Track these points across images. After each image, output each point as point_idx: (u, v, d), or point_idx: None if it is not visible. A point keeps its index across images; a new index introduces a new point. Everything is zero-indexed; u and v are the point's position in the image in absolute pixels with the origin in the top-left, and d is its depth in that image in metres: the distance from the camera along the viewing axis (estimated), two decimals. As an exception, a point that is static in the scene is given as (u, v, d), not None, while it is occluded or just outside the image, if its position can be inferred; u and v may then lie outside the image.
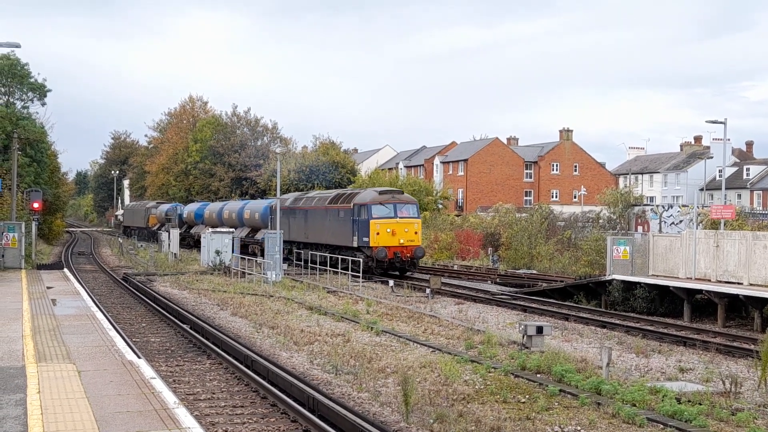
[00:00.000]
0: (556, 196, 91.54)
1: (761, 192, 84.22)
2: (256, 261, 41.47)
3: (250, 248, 54.35)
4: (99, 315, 21.62)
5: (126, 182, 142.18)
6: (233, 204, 64.25)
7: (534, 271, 43.06)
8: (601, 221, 51.53)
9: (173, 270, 44.21)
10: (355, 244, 39.97)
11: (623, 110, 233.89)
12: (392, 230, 39.11)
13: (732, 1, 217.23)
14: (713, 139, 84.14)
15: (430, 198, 67.32)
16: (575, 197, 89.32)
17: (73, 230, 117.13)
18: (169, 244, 57.66)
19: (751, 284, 25.83)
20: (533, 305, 29.84)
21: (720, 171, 79.86)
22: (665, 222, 48.67)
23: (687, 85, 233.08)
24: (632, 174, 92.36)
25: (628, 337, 22.74)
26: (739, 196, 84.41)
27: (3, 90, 57.78)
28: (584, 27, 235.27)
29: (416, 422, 13.07)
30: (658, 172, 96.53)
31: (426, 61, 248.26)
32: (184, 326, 23.21)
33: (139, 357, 15.82)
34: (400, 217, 39.67)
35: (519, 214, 55.27)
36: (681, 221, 47.56)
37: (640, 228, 47.90)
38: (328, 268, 38.65)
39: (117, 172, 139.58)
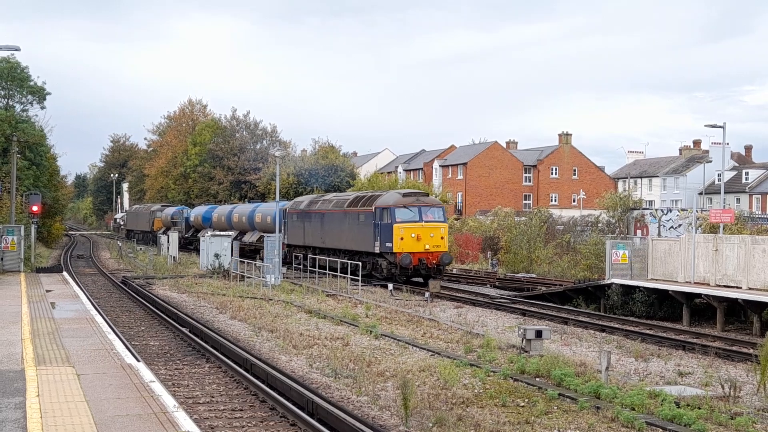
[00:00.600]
0: (555, 200, 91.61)
1: (760, 196, 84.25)
2: (255, 264, 41.36)
3: (261, 252, 51.55)
4: (98, 318, 21.62)
5: (125, 185, 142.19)
6: (243, 207, 61.92)
7: (533, 275, 43.07)
8: (600, 225, 51.55)
9: (172, 273, 44.21)
10: (377, 250, 37.92)
11: (623, 114, 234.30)
12: (417, 235, 36.91)
13: (732, 6, 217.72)
14: (712, 143, 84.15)
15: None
16: (574, 201, 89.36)
17: (72, 233, 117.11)
18: (168, 248, 57.65)
19: (750, 288, 25.85)
20: (532, 309, 29.84)
21: (719, 175, 79.94)
22: (664, 226, 48.71)
23: (687, 89, 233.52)
24: (631, 178, 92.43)
25: (627, 341, 22.75)
26: (738, 200, 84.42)
27: (2, 93, 57.85)
28: (585, 32, 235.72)
29: (415, 426, 13.07)
30: (657, 176, 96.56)
31: (427, 65, 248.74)
32: (184, 329, 23.20)
33: (138, 360, 15.82)
34: (426, 221, 37.42)
35: (518, 218, 55.28)
36: (680, 225, 47.60)
37: (639, 232, 47.94)
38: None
39: (116, 175, 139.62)
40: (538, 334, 19.73)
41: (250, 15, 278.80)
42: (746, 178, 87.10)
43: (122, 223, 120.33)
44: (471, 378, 16.67)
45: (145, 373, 14.00)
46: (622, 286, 29.57)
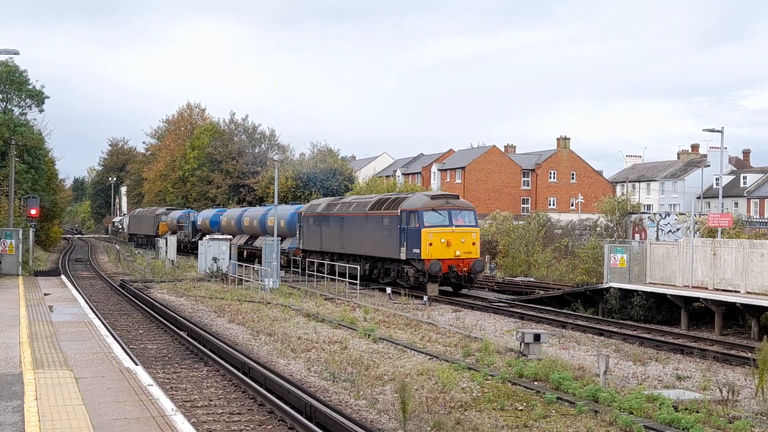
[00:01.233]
0: (554, 204, 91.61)
1: (758, 200, 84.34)
2: (253, 268, 41.33)
3: None
4: (96, 322, 21.61)
5: (123, 189, 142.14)
6: (254, 211, 59.69)
7: (531, 279, 43.06)
8: (598, 229, 51.52)
9: (170, 277, 44.17)
10: (403, 257, 35.37)
11: (622, 119, 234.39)
12: (447, 240, 34.36)
13: (730, 12, 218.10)
14: (710, 147, 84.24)
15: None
16: (572, 205, 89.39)
17: (69, 237, 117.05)
18: (166, 251, 57.57)
19: (748, 292, 25.86)
20: (530, 313, 29.85)
21: (717, 179, 79.99)
22: (662, 230, 48.72)
23: (686, 94, 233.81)
24: (629, 182, 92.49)
25: (626, 345, 22.75)
26: (736, 204, 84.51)
27: (1, 97, 57.85)
28: (584, 37, 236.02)
29: (413, 430, 13.06)
30: (656, 180, 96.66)
31: (425, 70, 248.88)
32: (182, 333, 23.19)
33: (136, 364, 15.82)
34: (456, 226, 34.85)
35: (516, 222, 55.26)
36: (678, 229, 47.60)
37: (637, 236, 47.93)
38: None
39: (114, 179, 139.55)
40: (537, 338, 19.73)
41: (250, 20, 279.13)
42: (744, 182, 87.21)
43: (120, 226, 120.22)
44: (469, 382, 16.67)
45: (143, 376, 14.00)
46: (620, 290, 29.57)
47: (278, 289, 36.55)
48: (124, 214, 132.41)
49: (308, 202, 62.34)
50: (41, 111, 59.83)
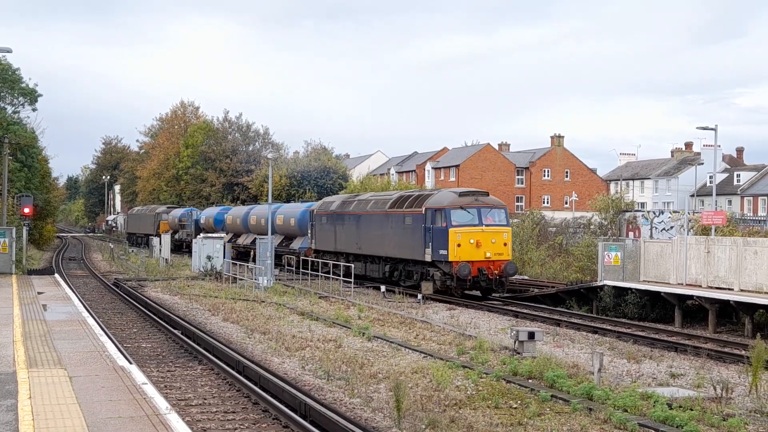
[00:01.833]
0: (548, 202, 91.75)
1: (752, 198, 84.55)
2: (247, 266, 41.25)
3: (284, 259, 48.09)
4: (90, 320, 21.56)
5: (117, 187, 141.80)
6: (261, 208, 55.84)
7: (525, 277, 43.07)
8: (592, 227, 51.59)
9: (164, 275, 44.10)
10: (428, 258, 33.06)
11: (617, 117, 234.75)
12: (476, 241, 31.96)
13: (724, 11, 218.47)
14: (704, 145, 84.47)
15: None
16: (566, 203, 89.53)
17: (63, 235, 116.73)
18: (160, 250, 57.48)
19: (741, 290, 25.92)
20: (525, 311, 29.87)
21: (711, 177, 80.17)
22: (656, 228, 48.80)
23: (680, 92, 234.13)
24: (623, 180, 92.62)
25: (620, 343, 22.79)
26: (730, 202, 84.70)
27: (-7, 95, 57.60)
28: (579, 35, 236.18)
29: (408, 428, 13.07)
30: (649, 178, 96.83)
31: (420, 68, 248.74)
32: (176, 332, 23.16)
33: (130, 362, 15.79)
34: (486, 225, 32.51)
35: (511, 220, 55.27)
36: (672, 227, 47.68)
37: (631, 234, 47.98)
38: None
39: (108, 177, 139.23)
40: (531, 335, 19.76)
41: (244, 18, 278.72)
42: (738, 180, 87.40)
43: (115, 225, 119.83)
44: (464, 380, 16.69)
45: (138, 375, 13.97)
46: (614, 287, 29.62)
47: (272, 287, 36.52)
48: (118, 213, 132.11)
49: (302, 200, 62.14)
50: (34, 109, 59.41)
